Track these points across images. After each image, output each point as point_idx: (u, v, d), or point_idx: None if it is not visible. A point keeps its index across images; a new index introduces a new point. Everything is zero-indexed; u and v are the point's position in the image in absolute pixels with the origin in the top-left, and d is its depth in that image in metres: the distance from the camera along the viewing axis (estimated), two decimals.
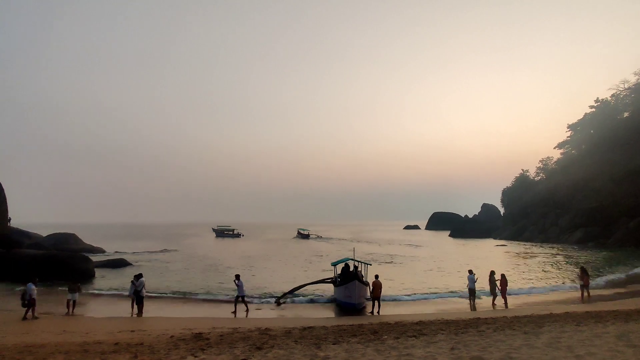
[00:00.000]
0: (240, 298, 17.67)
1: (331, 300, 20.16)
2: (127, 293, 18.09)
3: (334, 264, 21.49)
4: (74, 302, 16.88)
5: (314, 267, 35.45)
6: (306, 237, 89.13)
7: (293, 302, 20.67)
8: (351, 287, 17.34)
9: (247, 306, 17.70)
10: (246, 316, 16.95)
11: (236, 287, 17.92)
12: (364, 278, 20.04)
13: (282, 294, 21.14)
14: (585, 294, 19.50)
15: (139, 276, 17.41)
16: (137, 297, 17.01)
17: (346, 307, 17.68)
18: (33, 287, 15.78)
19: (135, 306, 17.10)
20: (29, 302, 15.51)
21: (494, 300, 19.16)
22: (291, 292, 21.43)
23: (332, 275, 22.64)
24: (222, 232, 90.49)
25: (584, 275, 19.73)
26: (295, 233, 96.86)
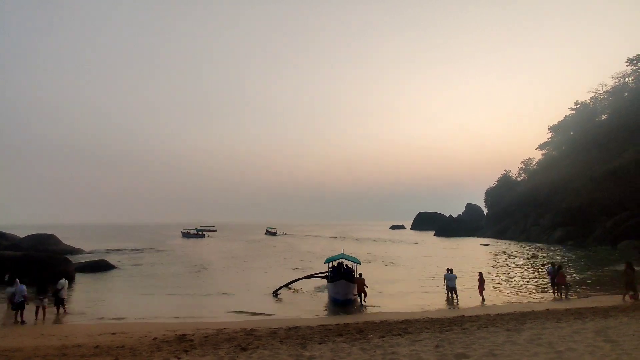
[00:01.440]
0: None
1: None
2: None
3: (328, 261, 22.59)
4: (44, 307, 16.01)
5: (295, 265, 35.39)
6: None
7: (288, 294, 22.16)
8: (339, 285, 19.06)
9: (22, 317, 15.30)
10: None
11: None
12: (356, 274, 21.40)
13: (279, 286, 22.72)
14: (562, 292, 19.87)
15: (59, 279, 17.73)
16: (57, 298, 16.92)
17: (335, 302, 19.23)
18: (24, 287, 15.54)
19: (60, 308, 17.14)
20: (20, 304, 15.12)
21: (636, 295, 16.94)
22: (287, 284, 23.34)
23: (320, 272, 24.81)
24: (188, 233, 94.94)
25: (559, 273, 20.12)
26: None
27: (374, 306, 18.78)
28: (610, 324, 11.19)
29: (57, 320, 15.99)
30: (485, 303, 18.85)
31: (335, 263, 22.12)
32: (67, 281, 17.76)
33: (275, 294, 21.82)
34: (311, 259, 42.07)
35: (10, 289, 15.94)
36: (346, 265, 22.05)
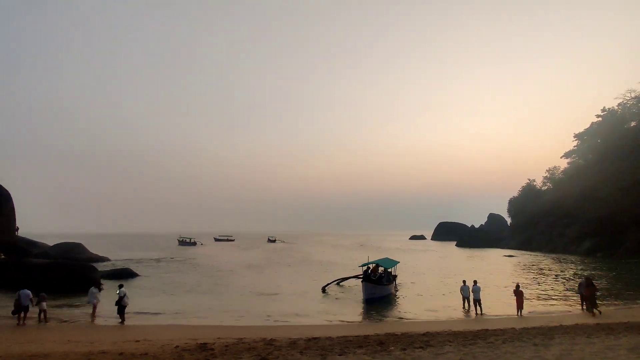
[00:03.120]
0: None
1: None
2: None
3: (361, 266, 26.53)
4: (45, 311, 17.02)
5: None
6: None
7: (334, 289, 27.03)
8: (363, 286, 22.97)
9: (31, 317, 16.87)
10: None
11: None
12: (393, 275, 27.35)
13: (327, 283, 27.66)
14: (589, 305, 18.97)
15: (120, 286, 17.92)
16: (119, 306, 17.11)
17: (365, 301, 22.27)
18: (28, 292, 16.46)
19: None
20: (25, 308, 16.14)
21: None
22: (335, 282, 28.30)
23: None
24: (184, 242, 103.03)
25: (588, 286, 19.20)
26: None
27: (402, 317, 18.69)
28: None
29: (121, 328, 16.22)
30: (521, 316, 18.22)
31: (364, 267, 25.79)
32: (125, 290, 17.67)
33: (324, 290, 26.64)
34: (330, 268, 41.85)
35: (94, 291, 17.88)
36: (371, 269, 25.39)
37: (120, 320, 17.04)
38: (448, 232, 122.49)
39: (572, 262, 48.31)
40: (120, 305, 17.03)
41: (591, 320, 15.66)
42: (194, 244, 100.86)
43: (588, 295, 18.80)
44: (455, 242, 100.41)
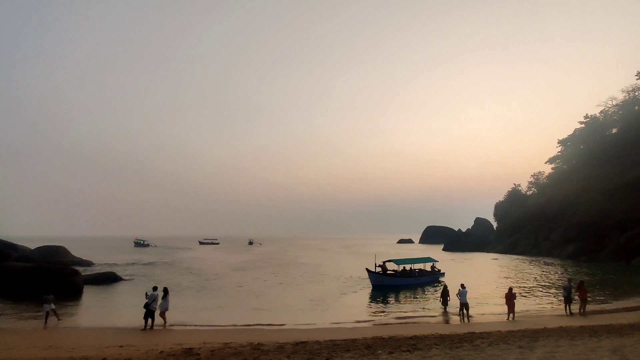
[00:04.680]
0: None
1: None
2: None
3: (384, 262, 33.42)
4: (53, 310, 16.84)
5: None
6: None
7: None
8: (369, 275, 31.21)
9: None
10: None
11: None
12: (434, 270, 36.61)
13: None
14: (581, 307, 19.39)
15: (154, 289, 16.60)
16: (147, 310, 16.02)
17: (372, 285, 30.77)
18: None
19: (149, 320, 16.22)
20: None
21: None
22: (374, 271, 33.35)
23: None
24: (139, 243, 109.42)
25: (581, 288, 19.68)
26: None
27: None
28: (627, 342, 10.89)
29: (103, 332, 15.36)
30: (512, 320, 18.34)
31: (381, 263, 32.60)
32: (159, 293, 16.35)
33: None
34: (317, 269, 41.76)
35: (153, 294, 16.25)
36: (380, 265, 32.27)
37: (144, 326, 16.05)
38: (435, 235, 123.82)
39: (555, 266, 49.16)
40: (148, 309, 15.98)
41: (574, 323, 15.93)
42: (147, 245, 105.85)
43: (584, 298, 19.30)
44: (442, 246, 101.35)
